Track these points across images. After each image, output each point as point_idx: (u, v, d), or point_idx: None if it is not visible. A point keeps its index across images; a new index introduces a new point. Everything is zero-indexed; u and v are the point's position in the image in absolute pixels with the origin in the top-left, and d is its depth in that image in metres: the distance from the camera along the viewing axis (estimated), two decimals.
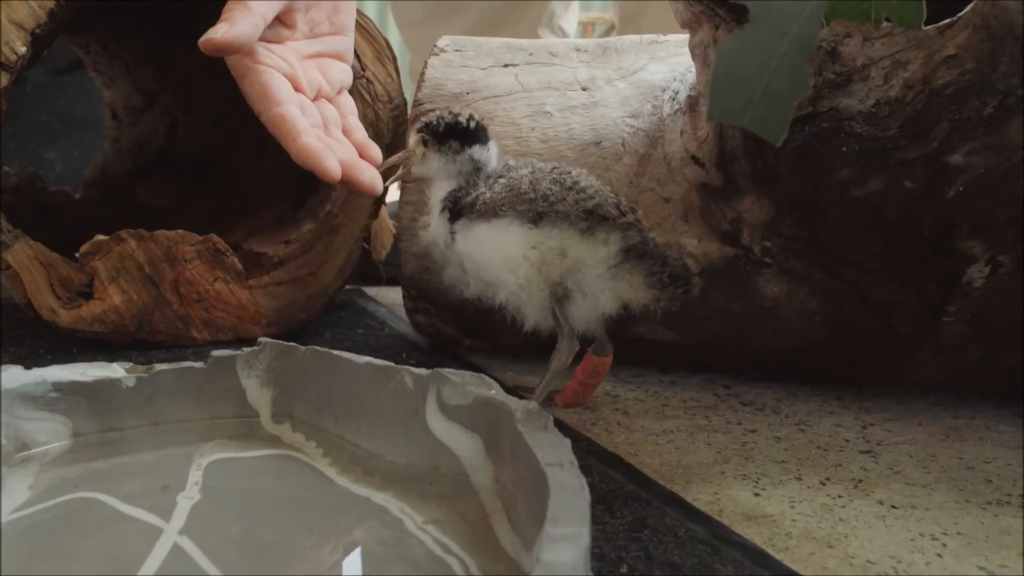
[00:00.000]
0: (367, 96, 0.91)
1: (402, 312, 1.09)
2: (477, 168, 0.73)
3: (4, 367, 0.54)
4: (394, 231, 1.11)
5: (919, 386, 0.86)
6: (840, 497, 0.64)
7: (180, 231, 0.86)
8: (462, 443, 0.54)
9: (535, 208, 0.67)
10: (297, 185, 1.05)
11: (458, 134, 0.73)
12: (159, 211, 1.16)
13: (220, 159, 1.19)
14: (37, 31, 0.77)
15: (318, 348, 0.61)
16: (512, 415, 0.51)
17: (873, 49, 0.61)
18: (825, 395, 0.85)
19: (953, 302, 0.72)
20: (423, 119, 0.75)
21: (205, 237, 0.88)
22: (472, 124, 0.73)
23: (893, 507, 0.63)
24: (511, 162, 0.74)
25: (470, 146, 0.73)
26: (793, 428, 0.77)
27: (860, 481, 0.67)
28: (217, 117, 1.18)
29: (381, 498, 0.53)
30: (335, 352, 0.60)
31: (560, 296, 0.69)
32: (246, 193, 1.13)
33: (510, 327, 0.73)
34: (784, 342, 0.80)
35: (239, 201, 1.12)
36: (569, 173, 0.70)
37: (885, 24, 0.61)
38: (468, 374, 0.55)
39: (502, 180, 0.70)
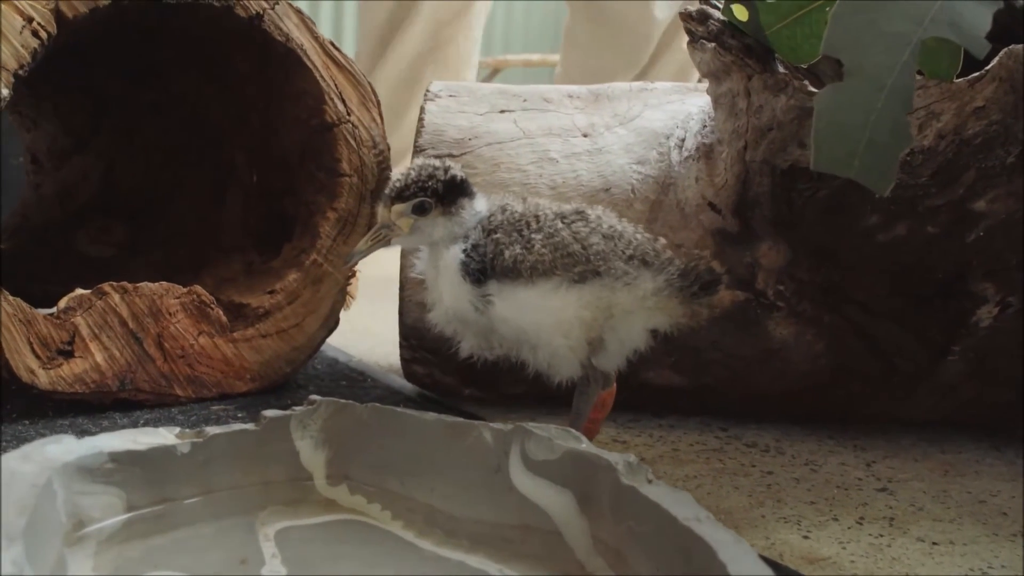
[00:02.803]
0: (352, 141, 0.89)
1: (377, 362, 1.06)
2: (478, 221, 0.68)
3: (56, 437, 0.49)
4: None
5: (913, 424, 0.88)
6: (882, 536, 0.65)
7: (164, 283, 0.82)
8: (551, 500, 0.52)
9: (592, 268, 0.65)
10: (264, 232, 1.01)
11: (460, 189, 0.67)
12: (101, 261, 1.08)
13: (166, 205, 1.13)
14: (20, 72, 0.72)
15: (378, 405, 0.58)
16: (612, 469, 0.50)
17: None
18: (818, 434, 0.87)
19: (959, 341, 0.75)
20: (393, 185, 0.67)
21: (189, 289, 0.83)
22: (462, 174, 0.68)
23: (935, 544, 0.64)
24: (511, 203, 0.69)
25: (472, 198, 0.68)
26: (805, 468, 0.78)
27: (892, 519, 0.68)
28: (162, 160, 1.12)
29: (476, 561, 0.51)
30: (398, 409, 0.57)
31: (596, 347, 0.68)
32: (200, 241, 1.07)
33: (513, 376, 0.71)
34: (788, 384, 0.82)
35: (192, 249, 1.07)
36: (600, 218, 0.68)
37: (919, 77, 0.64)
38: (553, 427, 0.54)
39: (537, 236, 0.66)
